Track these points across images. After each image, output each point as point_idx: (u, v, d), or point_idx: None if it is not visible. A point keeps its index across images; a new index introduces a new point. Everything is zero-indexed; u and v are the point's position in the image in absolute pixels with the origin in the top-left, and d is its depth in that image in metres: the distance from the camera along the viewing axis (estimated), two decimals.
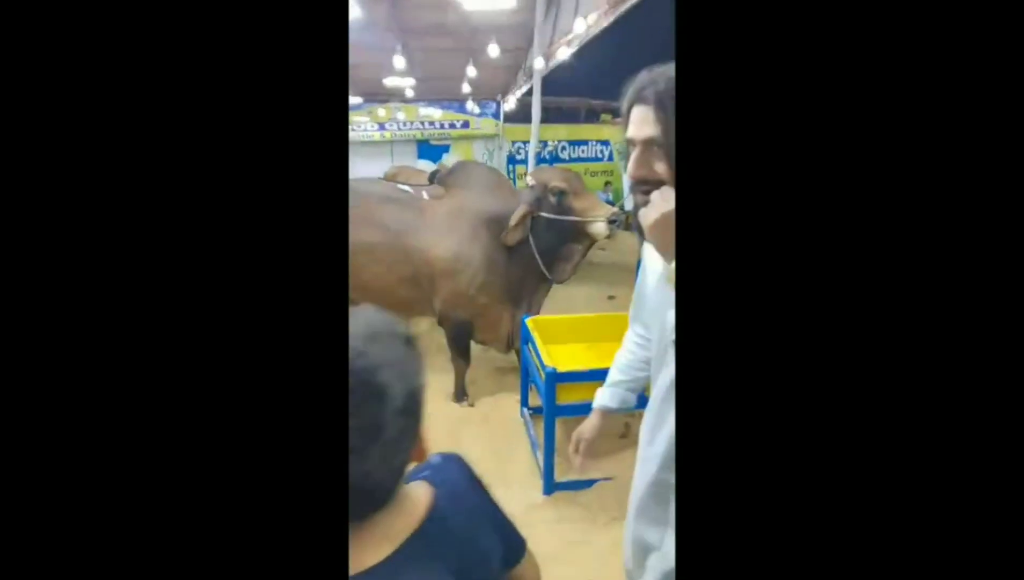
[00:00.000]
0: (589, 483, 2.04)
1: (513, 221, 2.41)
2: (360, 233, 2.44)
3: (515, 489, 2.07)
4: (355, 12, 4.07)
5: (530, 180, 2.60)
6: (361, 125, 11.16)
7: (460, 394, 2.82)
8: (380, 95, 10.48)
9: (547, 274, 2.55)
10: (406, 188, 2.89)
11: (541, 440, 2.21)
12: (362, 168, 6.30)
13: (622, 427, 2.29)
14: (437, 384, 2.85)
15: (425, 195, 2.75)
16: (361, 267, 2.45)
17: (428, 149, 11.55)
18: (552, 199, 2.42)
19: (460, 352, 2.76)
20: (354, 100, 10.65)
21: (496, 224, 2.51)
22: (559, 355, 2.22)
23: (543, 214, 2.43)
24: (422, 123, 11.40)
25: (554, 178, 2.46)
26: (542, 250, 2.48)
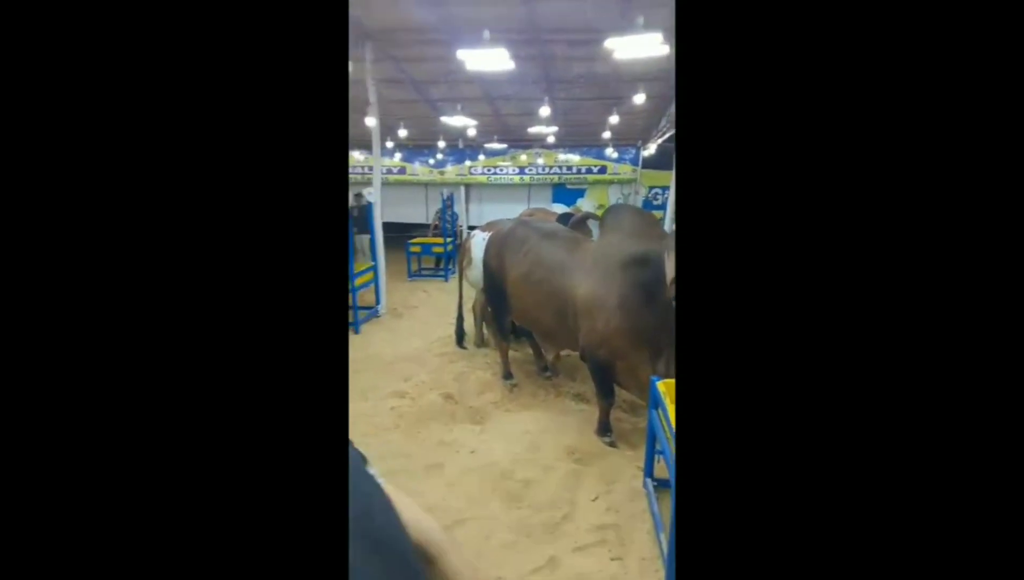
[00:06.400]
0: None
1: (669, 274, 2.23)
2: (523, 265, 2.92)
3: (632, 575, 1.84)
4: (508, 65, 4.32)
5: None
6: (503, 169, 11.80)
7: (603, 428, 2.80)
8: (524, 141, 11.02)
9: None
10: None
11: (666, 520, 1.96)
12: (500, 210, 6.55)
13: None
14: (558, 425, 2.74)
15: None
16: (524, 295, 2.94)
17: (563, 193, 11.81)
18: None
19: (603, 391, 2.77)
20: (499, 146, 11.36)
21: (635, 267, 2.44)
22: None
23: None
24: (560, 168, 11.71)
25: None
26: None
